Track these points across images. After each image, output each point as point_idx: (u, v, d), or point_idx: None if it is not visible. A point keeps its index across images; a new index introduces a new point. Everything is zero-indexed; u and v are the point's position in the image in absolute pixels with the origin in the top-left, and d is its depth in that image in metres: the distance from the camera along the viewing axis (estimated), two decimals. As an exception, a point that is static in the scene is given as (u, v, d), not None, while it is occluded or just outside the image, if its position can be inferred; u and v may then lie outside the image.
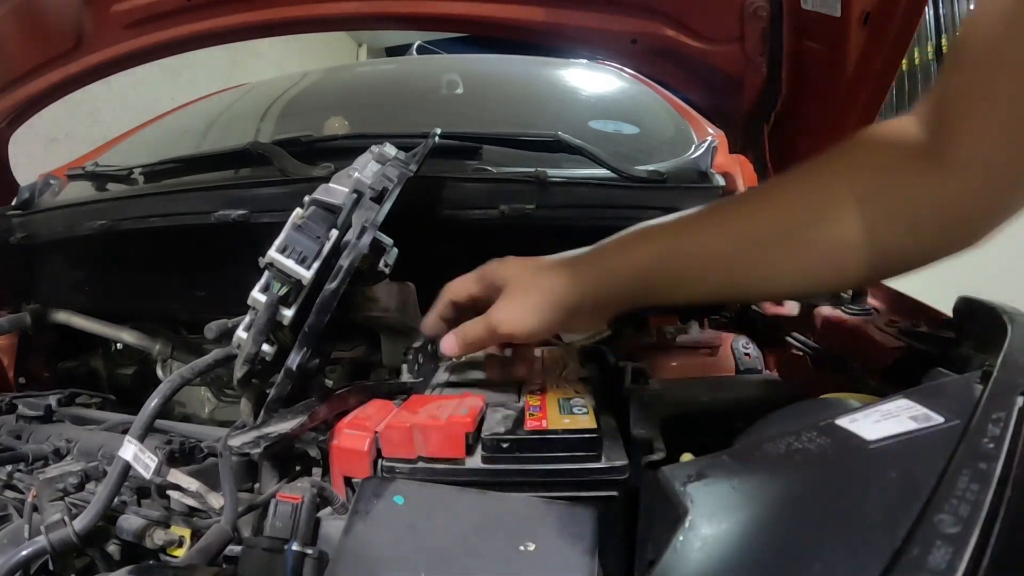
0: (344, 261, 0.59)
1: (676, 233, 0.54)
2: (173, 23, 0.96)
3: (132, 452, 0.49)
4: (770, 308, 0.93)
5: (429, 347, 0.72)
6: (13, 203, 1.07)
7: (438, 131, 0.81)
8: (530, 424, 0.51)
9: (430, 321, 0.62)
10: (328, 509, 0.51)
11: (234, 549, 0.50)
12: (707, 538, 0.32)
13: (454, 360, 0.69)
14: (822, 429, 0.38)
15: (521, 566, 0.40)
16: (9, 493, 0.61)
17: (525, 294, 0.55)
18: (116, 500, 0.52)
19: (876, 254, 0.49)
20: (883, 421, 0.37)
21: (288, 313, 0.58)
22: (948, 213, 0.47)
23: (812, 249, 0.49)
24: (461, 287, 0.61)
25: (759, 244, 0.50)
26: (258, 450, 0.52)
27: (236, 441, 0.52)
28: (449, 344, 0.58)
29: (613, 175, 0.90)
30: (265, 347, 0.57)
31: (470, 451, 0.50)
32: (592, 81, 1.49)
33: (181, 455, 0.61)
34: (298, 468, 0.61)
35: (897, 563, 0.25)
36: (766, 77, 0.87)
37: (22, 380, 1.03)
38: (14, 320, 0.97)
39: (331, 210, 0.62)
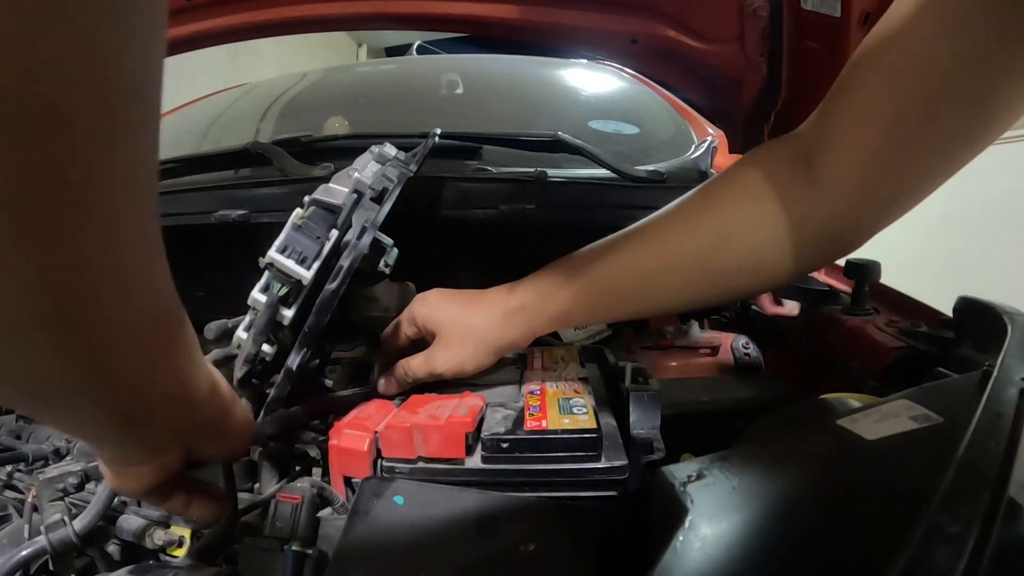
0: (344, 261, 0.59)
1: (586, 275, 0.60)
2: (173, 23, 0.96)
3: (132, 452, 0.49)
4: (770, 308, 0.93)
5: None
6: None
7: (438, 131, 0.81)
8: (530, 424, 0.51)
9: (383, 383, 0.64)
10: (328, 509, 0.51)
11: (234, 549, 0.50)
12: (707, 538, 0.32)
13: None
14: (822, 429, 0.38)
15: (521, 566, 0.40)
16: (9, 493, 0.61)
17: (462, 343, 0.60)
18: (116, 500, 0.52)
19: (763, 273, 0.56)
20: (883, 421, 0.37)
21: (288, 313, 0.58)
22: (826, 229, 0.52)
23: (705, 275, 0.56)
24: (394, 332, 0.66)
25: (657, 273, 0.57)
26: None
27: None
28: (387, 385, 0.63)
29: (613, 175, 0.90)
30: (265, 347, 0.57)
31: (470, 451, 0.50)
32: (592, 81, 1.49)
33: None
34: (298, 468, 0.61)
35: (897, 563, 0.25)
36: (766, 77, 0.87)
37: (22, 380, 1.02)
38: (14, 320, 0.97)
39: (331, 210, 0.62)
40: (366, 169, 0.67)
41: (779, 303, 0.93)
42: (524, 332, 0.61)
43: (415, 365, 0.61)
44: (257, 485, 0.60)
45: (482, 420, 0.53)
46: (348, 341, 0.93)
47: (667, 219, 0.59)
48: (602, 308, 0.60)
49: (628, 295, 0.59)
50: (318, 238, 0.59)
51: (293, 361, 0.56)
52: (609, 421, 0.54)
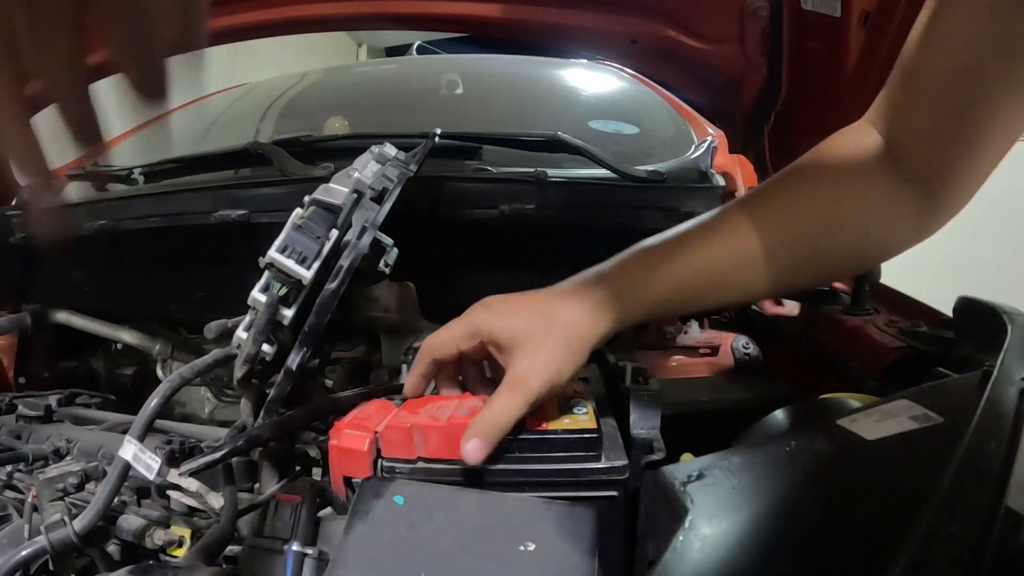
0: (344, 261, 0.59)
1: (685, 254, 0.55)
2: (173, 23, 0.96)
3: (132, 452, 0.49)
4: (770, 308, 0.93)
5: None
6: (13, 203, 1.07)
7: (438, 131, 0.81)
8: (530, 424, 0.51)
9: (412, 382, 0.55)
10: (328, 509, 0.51)
11: (234, 549, 0.50)
12: (707, 538, 0.32)
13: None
14: (822, 429, 0.38)
15: (521, 566, 0.40)
16: (9, 493, 0.61)
17: (553, 345, 0.49)
18: (116, 500, 0.52)
19: (864, 258, 0.58)
20: (883, 421, 0.37)
21: (288, 313, 0.58)
22: (911, 220, 0.54)
23: (813, 259, 0.56)
24: (447, 343, 0.53)
25: (763, 256, 0.55)
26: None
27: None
28: (474, 449, 0.46)
29: (613, 175, 0.90)
30: (265, 347, 0.57)
31: None
32: (592, 81, 1.49)
33: (181, 455, 0.61)
34: (298, 468, 0.61)
35: (897, 563, 0.25)
36: (766, 77, 0.87)
37: (22, 380, 1.02)
38: (14, 320, 0.97)
39: (331, 210, 0.62)
40: (366, 169, 0.67)
41: (779, 303, 0.93)
42: (618, 322, 0.52)
43: (503, 402, 0.47)
44: (257, 485, 0.60)
45: None
46: (348, 341, 0.93)
47: (764, 203, 0.57)
48: (701, 294, 0.55)
49: (729, 279, 0.55)
50: (318, 238, 0.59)
51: (293, 361, 0.56)
52: (609, 421, 0.54)
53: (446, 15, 0.94)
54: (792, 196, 0.56)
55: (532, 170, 0.87)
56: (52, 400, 0.80)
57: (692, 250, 0.55)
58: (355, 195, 0.64)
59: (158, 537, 0.53)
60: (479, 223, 0.85)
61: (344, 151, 0.88)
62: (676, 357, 0.89)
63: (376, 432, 0.50)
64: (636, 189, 0.88)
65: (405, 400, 0.57)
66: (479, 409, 0.51)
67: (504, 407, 0.47)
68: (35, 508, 0.53)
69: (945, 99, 0.49)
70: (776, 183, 0.57)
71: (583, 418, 0.51)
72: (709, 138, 1.06)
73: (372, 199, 0.65)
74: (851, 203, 0.54)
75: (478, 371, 0.56)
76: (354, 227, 0.63)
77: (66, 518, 0.48)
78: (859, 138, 0.56)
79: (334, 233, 0.61)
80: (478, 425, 0.47)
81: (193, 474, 0.52)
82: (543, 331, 0.49)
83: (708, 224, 0.57)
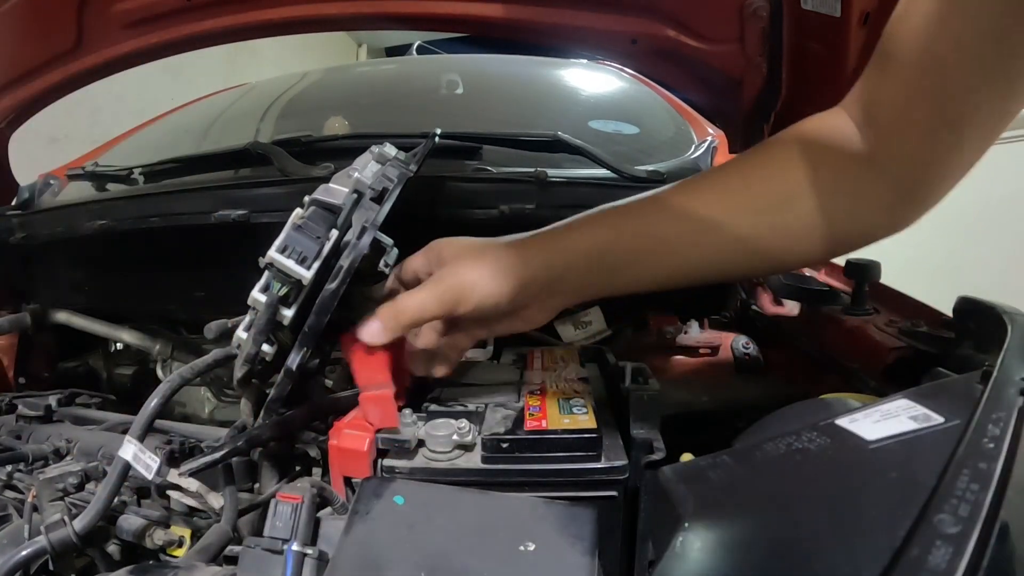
0: (344, 261, 0.59)
1: (630, 214, 0.54)
2: (173, 23, 0.96)
3: (132, 452, 0.49)
4: (770, 308, 0.93)
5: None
6: (13, 203, 1.07)
7: (438, 131, 0.81)
8: (530, 424, 0.51)
9: (367, 327, 0.54)
10: (328, 509, 0.51)
11: (234, 549, 0.50)
12: (707, 538, 0.32)
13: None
14: (822, 429, 0.38)
15: (521, 566, 0.40)
16: (9, 493, 0.61)
17: (477, 260, 0.51)
18: (116, 500, 0.52)
19: (822, 241, 0.53)
20: (883, 421, 0.37)
21: (288, 313, 0.58)
22: (883, 203, 0.52)
23: (766, 233, 0.53)
24: (408, 262, 0.56)
25: (713, 229, 0.52)
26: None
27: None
28: (372, 330, 0.49)
29: (613, 175, 0.90)
30: (265, 347, 0.57)
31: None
32: (592, 81, 1.49)
33: (181, 455, 0.61)
34: (298, 468, 0.61)
35: (897, 563, 0.25)
36: (766, 77, 0.87)
37: (22, 380, 1.02)
38: (14, 320, 0.97)
39: (331, 210, 0.62)
40: (366, 169, 0.67)
41: (779, 303, 0.93)
42: (545, 266, 0.52)
43: (413, 294, 0.50)
44: (257, 485, 0.60)
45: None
46: (348, 341, 0.93)
47: (720, 175, 0.55)
48: (640, 255, 0.52)
49: (673, 243, 0.52)
50: (318, 238, 0.59)
51: (293, 361, 0.56)
52: (609, 421, 0.54)
53: (446, 15, 0.94)
54: (754, 168, 0.54)
55: (532, 170, 0.87)
56: (52, 400, 0.80)
57: (638, 211, 0.54)
58: (355, 195, 0.64)
59: (158, 537, 0.53)
60: (479, 223, 0.85)
61: (344, 151, 0.88)
62: (676, 357, 0.89)
63: (376, 432, 0.50)
64: (636, 189, 0.87)
65: None
66: (348, 338, 0.53)
67: (412, 297, 0.50)
68: (35, 508, 0.53)
69: (921, 81, 0.46)
70: (739, 157, 0.56)
71: (583, 418, 0.51)
72: (709, 138, 1.06)
73: (372, 199, 0.65)
74: (813, 179, 0.51)
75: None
76: (354, 227, 0.63)
77: (66, 518, 0.48)
78: (831, 120, 0.54)
79: (334, 233, 0.61)
80: (382, 309, 0.50)
81: (193, 474, 0.52)
82: (474, 253, 0.52)
83: (664, 190, 0.55)
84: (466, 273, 0.50)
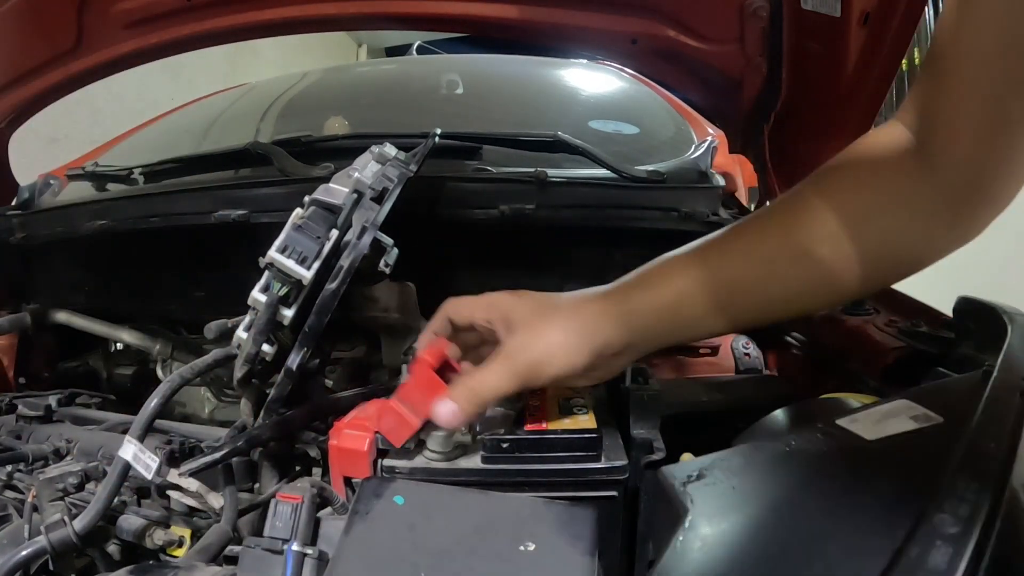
0: (344, 261, 0.59)
1: (702, 263, 0.52)
2: (173, 23, 0.96)
3: (132, 452, 0.49)
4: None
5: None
6: (13, 203, 1.07)
7: (438, 131, 0.81)
8: (530, 424, 0.51)
9: (424, 337, 0.55)
10: (328, 509, 0.51)
11: (234, 549, 0.50)
12: (707, 538, 0.32)
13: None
14: (822, 429, 0.38)
15: (521, 566, 0.40)
16: (9, 493, 0.61)
17: (548, 328, 0.48)
18: (116, 500, 0.52)
19: (892, 264, 0.52)
20: (883, 421, 0.37)
21: (288, 313, 0.58)
22: (945, 217, 0.50)
23: (835, 263, 0.50)
24: (464, 307, 0.53)
25: (781, 262, 0.51)
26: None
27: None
28: (448, 412, 0.46)
29: (613, 175, 0.90)
30: (265, 347, 0.57)
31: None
32: (592, 81, 1.49)
33: (181, 455, 0.61)
34: (298, 468, 0.61)
35: (897, 563, 0.25)
36: (766, 77, 0.87)
37: (22, 380, 1.02)
38: (14, 320, 0.97)
39: (331, 210, 0.62)
40: (366, 169, 0.67)
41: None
42: (623, 326, 0.50)
43: (487, 371, 0.47)
44: (257, 485, 0.60)
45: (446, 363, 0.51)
46: (348, 341, 0.93)
47: (784, 208, 0.54)
48: (717, 303, 0.51)
49: (748, 286, 0.51)
50: (318, 238, 0.59)
51: (293, 361, 0.56)
52: (609, 421, 0.54)
53: (446, 15, 0.94)
54: (816, 195, 0.52)
55: (532, 170, 0.87)
56: (52, 400, 0.80)
57: (708, 259, 0.52)
58: (355, 195, 0.64)
59: (158, 537, 0.53)
60: (479, 223, 0.85)
61: (344, 151, 0.88)
62: (676, 357, 0.89)
63: (376, 432, 0.50)
64: (636, 189, 0.88)
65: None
66: (437, 344, 0.51)
67: (487, 375, 0.47)
68: (35, 508, 0.53)
69: (979, 83, 0.45)
70: (800, 186, 0.54)
71: (583, 418, 0.51)
72: (709, 138, 1.06)
73: (372, 199, 0.65)
74: (878, 199, 0.50)
75: (476, 340, 0.55)
76: (354, 227, 0.63)
77: (66, 518, 0.48)
78: (889, 135, 0.52)
79: (334, 233, 0.61)
80: (457, 388, 0.47)
81: (193, 474, 0.52)
82: (545, 318, 0.49)
83: (728, 232, 0.54)
84: (539, 346, 0.48)
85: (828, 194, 0.51)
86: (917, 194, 0.49)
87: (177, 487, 0.58)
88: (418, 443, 0.51)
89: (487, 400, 0.47)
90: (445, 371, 0.51)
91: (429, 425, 0.49)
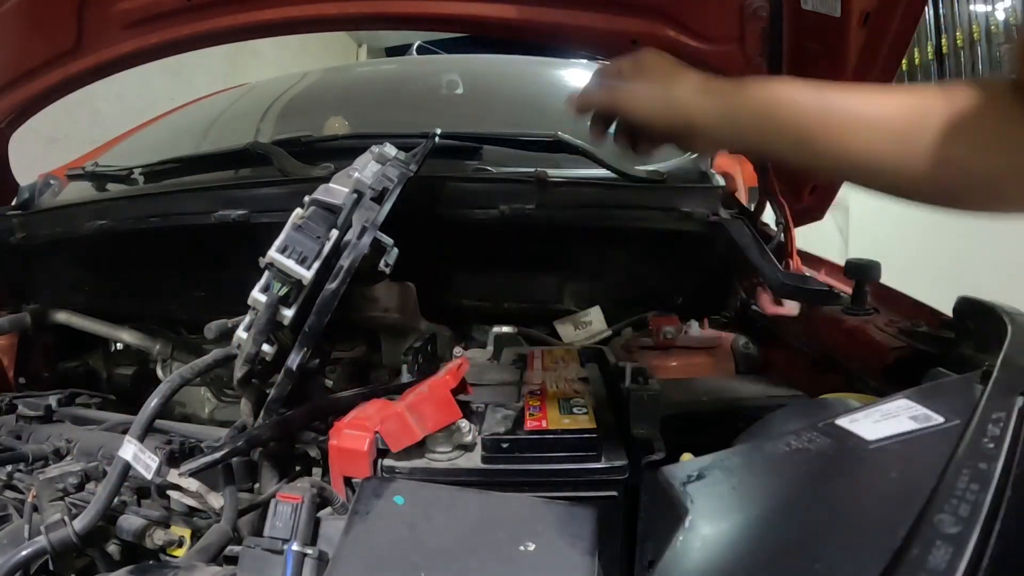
0: (344, 261, 0.59)
1: (790, 89, 0.58)
2: (173, 23, 0.96)
3: (132, 452, 0.49)
4: (770, 308, 0.93)
5: (428, 348, 0.72)
6: (13, 203, 1.07)
7: (438, 131, 0.81)
8: (530, 424, 0.51)
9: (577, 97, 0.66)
10: (328, 509, 0.51)
11: (234, 549, 0.50)
12: (707, 538, 0.32)
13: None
14: (822, 429, 0.38)
15: (521, 566, 0.40)
16: (9, 493, 0.61)
17: (658, 83, 0.61)
18: (116, 500, 0.52)
19: (965, 166, 0.51)
20: (883, 421, 0.37)
21: (288, 313, 0.58)
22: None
23: (898, 138, 0.52)
24: (612, 64, 0.65)
25: (853, 118, 0.54)
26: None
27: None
28: (571, 99, 0.65)
29: (613, 175, 0.90)
30: (265, 347, 0.57)
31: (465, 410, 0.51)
32: (592, 81, 1.48)
33: (181, 455, 0.61)
34: (298, 468, 0.61)
35: (897, 563, 0.25)
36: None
37: (22, 380, 1.02)
38: (14, 320, 0.97)
39: (331, 210, 0.62)
40: (366, 169, 0.67)
41: (779, 303, 0.93)
42: (712, 109, 0.59)
43: (596, 89, 0.64)
44: (257, 485, 0.60)
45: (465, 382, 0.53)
46: (348, 341, 0.93)
47: (903, 88, 0.57)
48: (785, 130, 0.56)
49: (813, 124, 0.56)
50: (318, 238, 0.59)
51: (293, 361, 0.56)
52: (609, 421, 0.54)
53: (446, 15, 0.94)
54: (911, 90, 0.54)
55: (532, 170, 0.87)
56: (52, 400, 0.80)
57: (812, 89, 0.56)
58: (355, 195, 0.64)
59: (158, 537, 0.53)
60: (479, 223, 0.85)
61: (344, 151, 0.88)
62: (676, 357, 0.89)
63: (376, 432, 0.50)
64: (636, 189, 0.88)
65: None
66: (458, 365, 0.54)
67: (596, 92, 0.64)
68: (35, 508, 0.53)
69: None
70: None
71: (583, 418, 0.52)
72: (709, 138, 1.06)
73: (372, 199, 0.65)
74: (988, 116, 0.50)
75: None
76: (354, 227, 0.63)
77: (66, 518, 0.48)
78: (995, 86, 0.52)
79: (334, 233, 0.61)
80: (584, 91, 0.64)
81: (193, 474, 0.52)
82: (663, 78, 0.61)
83: (837, 86, 0.58)
84: (642, 94, 0.61)
85: (949, 95, 0.52)
86: (1007, 123, 0.49)
87: (177, 487, 0.58)
88: (419, 443, 0.51)
89: (591, 101, 0.64)
90: (459, 391, 0.53)
91: (430, 438, 0.50)
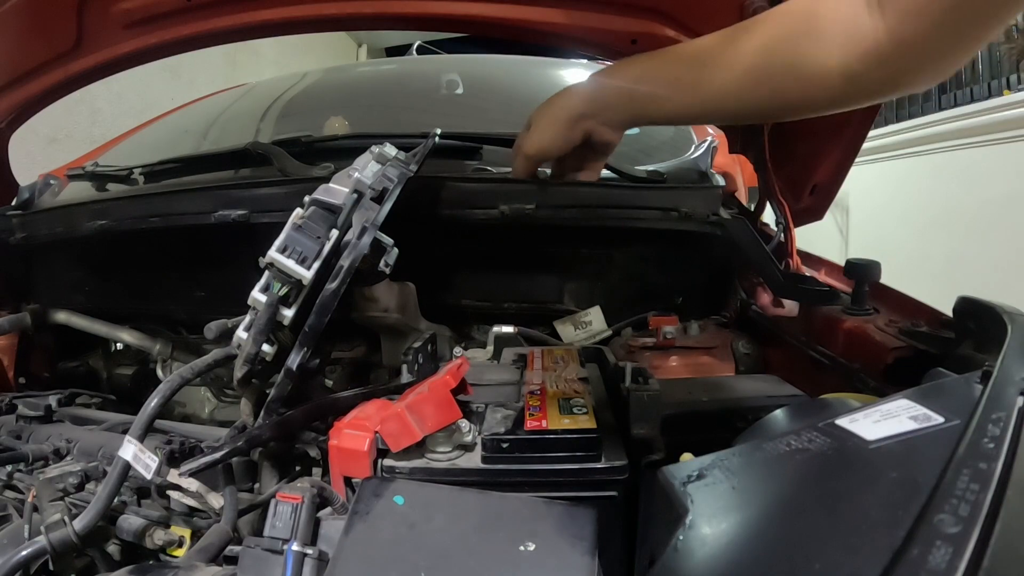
0: (344, 261, 0.59)
1: (651, 59, 0.69)
2: (173, 23, 0.96)
3: (132, 452, 0.49)
4: (770, 308, 0.93)
5: (428, 348, 0.72)
6: (13, 203, 1.07)
7: (438, 131, 0.81)
8: (530, 424, 0.51)
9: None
10: (328, 509, 0.51)
11: (234, 549, 0.50)
12: (707, 538, 0.32)
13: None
14: (822, 429, 0.38)
15: (521, 566, 0.40)
16: (9, 493, 0.61)
17: (540, 119, 0.74)
18: (116, 500, 0.52)
19: (808, 79, 0.59)
20: (883, 421, 0.37)
21: (288, 313, 0.58)
22: (885, 54, 0.54)
23: (774, 73, 0.60)
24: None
25: (722, 68, 0.62)
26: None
27: None
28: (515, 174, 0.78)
29: (613, 175, 0.90)
30: (265, 347, 0.57)
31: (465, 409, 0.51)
32: (592, 81, 1.48)
33: (181, 455, 0.61)
34: (298, 468, 0.61)
35: (897, 563, 0.25)
36: (766, 77, 0.87)
37: (22, 380, 1.02)
38: (14, 320, 0.97)
39: (331, 210, 0.63)
40: (366, 169, 0.67)
41: (779, 303, 0.93)
42: (592, 100, 0.72)
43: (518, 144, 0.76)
44: (257, 485, 0.60)
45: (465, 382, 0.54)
46: (348, 341, 0.93)
47: (740, 26, 0.64)
48: (661, 98, 0.67)
49: (682, 84, 0.65)
50: (318, 238, 0.59)
51: (293, 361, 0.56)
52: (609, 421, 0.54)
53: (446, 15, 0.94)
54: (766, 17, 0.61)
55: (532, 170, 0.87)
56: (52, 400, 0.80)
57: (661, 57, 0.68)
58: (355, 195, 0.64)
59: (158, 537, 0.53)
60: (479, 223, 0.85)
61: (344, 151, 0.88)
62: (676, 357, 0.89)
63: (376, 432, 0.50)
64: (636, 189, 0.88)
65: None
66: (457, 365, 0.55)
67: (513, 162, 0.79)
68: (35, 508, 0.53)
69: None
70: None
71: (583, 418, 0.52)
72: (709, 138, 1.06)
73: (372, 199, 0.65)
74: (817, 15, 0.57)
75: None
76: (354, 227, 0.63)
77: (66, 518, 0.48)
78: None
79: (334, 233, 0.61)
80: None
81: (193, 474, 0.52)
82: (541, 113, 0.77)
83: (668, 49, 0.71)
84: (534, 135, 0.76)
85: (777, 13, 0.61)
86: (855, 26, 0.54)
87: (177, 487, 0.58)
88: (419, 443, 0.51)
89: (516, 172, 0.79)
90: (459, 391, 0.53)
91: (430, 438, 0.50)
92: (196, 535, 0.54)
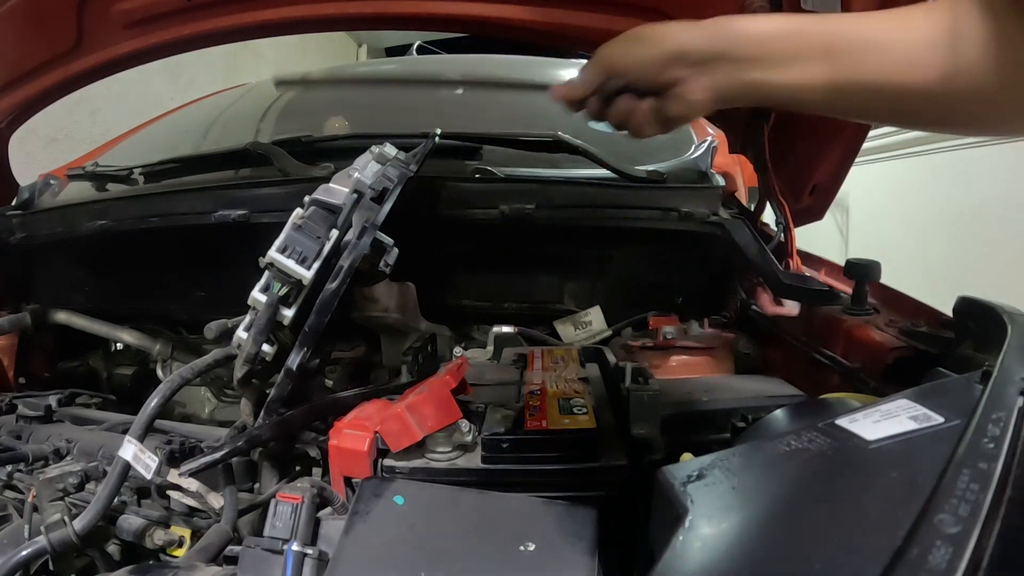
0: (345, 261, 0.59)
1: (799, 20, 0.56)
2: (173, 23, 0.96)
3: (132, 452, 0.49)
4: (770, 308, 0.93)
5: (428, 348, 0.72)
6: (13, 203, 1.07)
7: (438, 131, 0.81)
8: (530, 424, 0.51)
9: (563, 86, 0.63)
10: (328, 509, 0.51)
11: (234, 549, 0.50)
12: (707, 538, 0.32)
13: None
14: (822, 429, 0.38)
15: (521, 566, 0.40)
16: (9, 493, 0.61)
17: (636, 35, 0.58)
18: (116, 500, 0.52)
19: (952, 79, 0.49)
20: (883, 421, 0.37)
21: (288, 313, 0.58)
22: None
23: (889, 54, 0.50)
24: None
25: (861, 40, 0.52)
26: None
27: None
28: (556, 90, 0.60)
29: (613, 175, 0.90)
30: (265, 347, 0.57)
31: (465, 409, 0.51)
32: (592, 81, 1.48)
33: (181, 455, 0.61)
34: (298, 468, 0.61)
35: (897, 563, 0.25)
36: (766, 77, 0.87)
37: (22, 380, 1.02)
38: (14, 320, 0.97)
39: (331, 210, 0.62)
40: (366, 169, 0.67)
41: (779, 303, 0.93)
42: (696, 40, 0.56)
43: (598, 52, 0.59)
44: (257, 485, 0.60)
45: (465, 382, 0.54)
46: (348, 341, 0.93)
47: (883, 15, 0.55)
48: (781, 61, 0.54)
49: (805, 53, 0.54)
50: (318, 238, 0.59)
51: (293, 361, 0.56)
52: (609, 421, 0.54)
53: (446, 15, 0.94)
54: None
55: (532, 170, 0.87)
56: (52, 400, 0.80)
57: (804, 20, 0.55)
58: (355, 195, 0.64)
59: (158, 537, 0.53)
60: (479, 223, 0.85)
61: (344, 151, 0.88)
62: (676, 357, 0.89)
63: (376, 432, 0.50)
64: (636, 189, 0.88)
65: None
66: (458, 365, 0.54)
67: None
68: (35, 508, 0.53)
69: None
70: None
71: (583, 418, 0.52)
72: (709, 138, 1.06)
73: (372, 199, 0.65)
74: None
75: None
76: (354, 227, 0.63)
77: (66, 518, 0.48)
78: None
79: (334, 233, 0.61)
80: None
81: (193, 474, 0.52)
82: (638, 31, 0.59)
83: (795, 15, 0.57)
84: (619, 43, 0.59)
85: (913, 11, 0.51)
86: (1002, 39, 0.46)
87: (177, 487, 0.58)
88: (419, 443, 0.51)
89: (575, 86, 0.60)
90: (459, 391, 0.54)
91: (430, 438, 0.50)
92: (196, 535, 0.54)
